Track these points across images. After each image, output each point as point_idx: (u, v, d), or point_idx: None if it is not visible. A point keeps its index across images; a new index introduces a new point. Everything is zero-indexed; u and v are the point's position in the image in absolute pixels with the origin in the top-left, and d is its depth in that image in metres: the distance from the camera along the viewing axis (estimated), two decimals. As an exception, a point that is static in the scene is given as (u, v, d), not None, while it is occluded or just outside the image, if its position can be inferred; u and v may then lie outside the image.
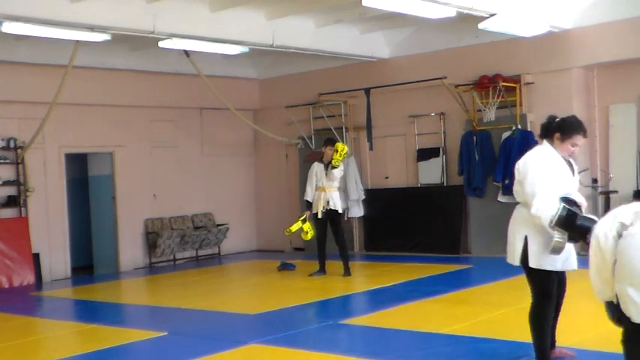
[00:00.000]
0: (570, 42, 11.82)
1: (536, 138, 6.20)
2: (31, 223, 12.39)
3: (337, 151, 10.92)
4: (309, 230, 11.04)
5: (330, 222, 11.05)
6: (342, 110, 14.46)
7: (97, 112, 13.41)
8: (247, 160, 16.06)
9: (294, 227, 11.12)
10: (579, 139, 5.47)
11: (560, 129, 5.53)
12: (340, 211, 11.20)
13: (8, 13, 9.12)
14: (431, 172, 13.52)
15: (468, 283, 10.18)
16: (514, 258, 5.45)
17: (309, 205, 11.12)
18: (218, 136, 15.32)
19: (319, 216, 10.96)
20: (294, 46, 12.35)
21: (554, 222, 5.05)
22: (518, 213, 5.49)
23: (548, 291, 5.41)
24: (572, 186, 5.45)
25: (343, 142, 13.94)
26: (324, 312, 8.80)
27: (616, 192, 11.80)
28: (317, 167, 11.12)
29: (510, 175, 12.03)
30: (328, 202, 10.94)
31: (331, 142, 11.19)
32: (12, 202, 12.29)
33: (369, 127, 13.48)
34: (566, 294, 5.77)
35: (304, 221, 11.08)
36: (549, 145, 5.50)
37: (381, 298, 9.31)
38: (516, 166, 5.49)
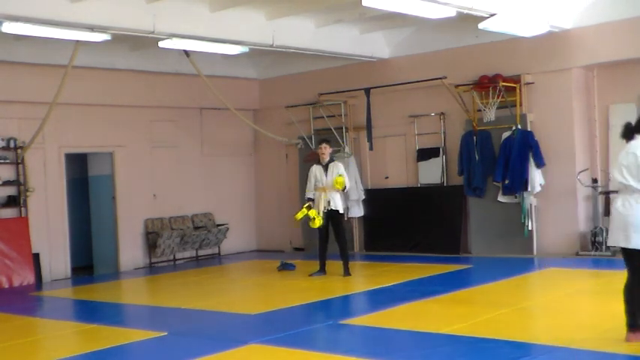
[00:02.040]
0: (570, 42, 11.81)
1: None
2: (31, 223, 12.39)
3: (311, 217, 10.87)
4: (315, 217, 10.88)
5: (332, 222, 11.06)
6: (342, 110, 14.45)
7: (97, 112, 13.41)
8: (247, 160, 16.06)
9: (300, 214, 11.00)
10: None
11: None
12: (341, 211, 11.19)
13: (8, 13, 9.12)
14: (431, 172, 13.52)
15: (468, 283, 10.18)
16: None
17: (310, 199, 11.14)
18: (218, 136, 15.33)
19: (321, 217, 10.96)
20: (294, 46, 12.35)
21: None
22: None
23: None
24: None
25: (343, 142, 14.00)
26: (324, 312, 8.80)
27: (616, 192, 11.76)
28: (316, 169, 11.12)
29: (510, 175, 12.15)
30: (329, 203, 10.94)
31: (321, 141, 11.26)
32: (12, 202, 12.29)
33: (369, 127, 13.48)
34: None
35: (309, 208, 10.97)
36: None
37: (381, 298, 9.31)
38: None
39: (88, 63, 12.38)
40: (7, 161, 12.25)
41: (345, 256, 11.09)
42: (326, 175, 10.98)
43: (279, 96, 15.32)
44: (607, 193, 11.83)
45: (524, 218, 12.10)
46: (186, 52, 11.99)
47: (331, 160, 11.20)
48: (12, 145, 12.26)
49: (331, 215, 11.00)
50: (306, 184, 11.34)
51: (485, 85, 12.23)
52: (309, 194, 11.13)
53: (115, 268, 13.64)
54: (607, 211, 11.80)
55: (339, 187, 10.87)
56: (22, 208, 12.38)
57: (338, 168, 11.07)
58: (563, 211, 12.01)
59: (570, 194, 11.95)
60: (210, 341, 7.16)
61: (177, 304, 9.50)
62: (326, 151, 11.16)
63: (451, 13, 9.89)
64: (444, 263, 11.88)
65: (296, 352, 6.57)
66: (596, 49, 11.64)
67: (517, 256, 12.13)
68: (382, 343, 6.84)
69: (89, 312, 9.79)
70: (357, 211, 13.94)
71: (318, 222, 10.87)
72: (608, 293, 8.90)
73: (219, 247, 15.07)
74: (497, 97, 12.08)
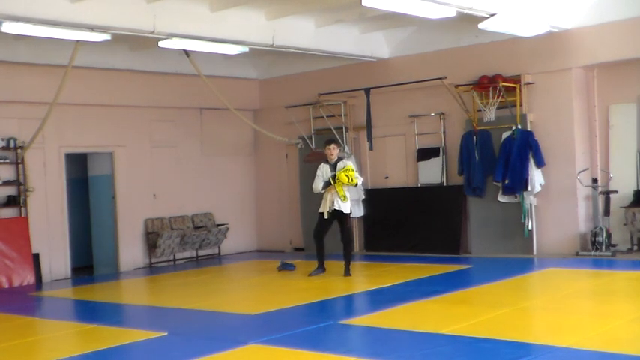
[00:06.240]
0: (570, 42, 11.82)
1: None
2: (31, 223, 12.39)
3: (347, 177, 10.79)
4: (340, 185, 10.75)
5: (337, 221, 11.02)
6: (342, 110, 14.46)
7: (97, 112, 13.42)
8: (247, 160, 16.06)
9: (342, 193, 10.79)
10: None
11: None
12: (346, 211, 11.07)
13: (8, 13, 9.12)
14: (431, 172, 13.52)
15: (468, 283, 10.17)
16: None
17: (327, 184, 10.92)
18: (218, 136, 15.33)
19: (325, 216, 10.94)
20: (294, 46, 12.35)
21: None
22: None
23: None
24: None
25: (343, 142, 13.99)
26: (324, 312, 8.79)
27: (616, 192, 11.80)
28: (324, 168, 11.03)
29: (510, 175, 12.15)
30: (334, 203, 10.90)
31: (330, 142, 11.18)
32: (12, 202, 12.29)
33: (369, 127, 13.48)
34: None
35: (334, 179, 10.75)
36: None
37: (381, 298, 9.30)
38: None
39: (87, 63, 12.39)
40: (7, 161, 12.25)
41: (348, 256, 11.07)
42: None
43: (279, 96, 15.33)
44: (607, 193, 11.83)
45: (524, 218, 12.11)
46: (186, 52, 12.00)
47: (339, 160, 11.14)
48: (12, 145, 12.27)
49: (336, 215, 10.97)
50: (312, 182, 11.15)
51: (485, 85, 12.23)
52: (320, 186, 10.95)
53: (115, 268, 13.64)
54: (607, 211, 11.82)
55: (347, 182, 10.75)
56: (22, 208, 12.38)
57: (347, 166, 11.03)
58: (563, 211, 12.02)
59: (570, 194, 11.95)
60: (210, 341, 7.16)
61: (177, 304, 9.50)
62: (334, 151, 11.09)
63: (451, 13, 9.89)
64: (444, 263, 11.88)
65: (296, 352, 6.57)
66: (596, 49, 11.64)
67: (517, 256, 12.13)
68: (382, 343, 6.84)
69: (89, 312, 9.78)
70: (357, 211, 13.93)
71: (341, 192, 10.77)
72: (608, 293, 8.92)
73: (219, 247, 15.07)
74: (497, 97, 12.08)
